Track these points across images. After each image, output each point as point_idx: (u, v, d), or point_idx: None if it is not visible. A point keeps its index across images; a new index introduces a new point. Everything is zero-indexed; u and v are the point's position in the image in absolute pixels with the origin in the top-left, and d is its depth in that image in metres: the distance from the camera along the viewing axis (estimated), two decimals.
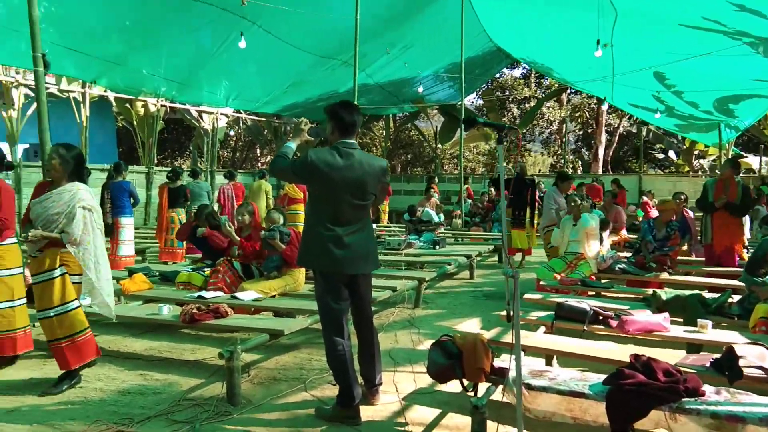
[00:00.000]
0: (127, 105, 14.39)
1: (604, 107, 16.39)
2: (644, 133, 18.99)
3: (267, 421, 3.29)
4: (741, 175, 14.29)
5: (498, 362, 3.14)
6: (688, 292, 4.67)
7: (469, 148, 24.99)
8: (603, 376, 2.93)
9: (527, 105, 24.61)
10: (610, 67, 11.20)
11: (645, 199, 13.43)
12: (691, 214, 8.25)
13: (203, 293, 4.98)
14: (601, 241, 6.59)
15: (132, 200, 8.03)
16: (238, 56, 10.77)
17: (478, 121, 2.64)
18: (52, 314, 3.64)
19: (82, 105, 12.63)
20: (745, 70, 10.30)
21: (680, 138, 19.38)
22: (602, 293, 5.47)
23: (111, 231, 8.06)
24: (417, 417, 3.29)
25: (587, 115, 24.62)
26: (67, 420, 3.26)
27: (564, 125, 23.56)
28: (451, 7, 11.35)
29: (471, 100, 25.93)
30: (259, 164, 23.91)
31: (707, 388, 2.75)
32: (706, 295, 4.73)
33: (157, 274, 6.16)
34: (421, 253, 8.23)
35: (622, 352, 3.40)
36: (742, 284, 4.72)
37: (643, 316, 3.96)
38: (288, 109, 15.64)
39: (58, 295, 3.65)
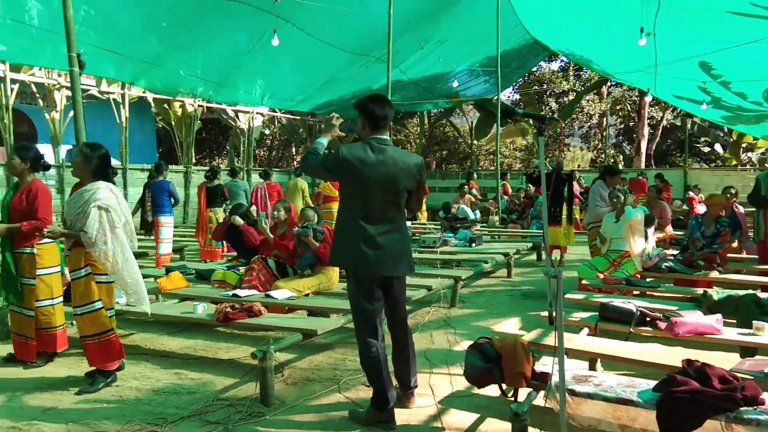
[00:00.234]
0: (165, 105, 14.64)
1: (647, 99, 15.87)
2: (689, 126, 18.32)
3: (300, 423, 3.23)
4: None
5: (539, 366, 2.99)
6: (741, 292, 4.40)
7: (506, 143, 24.61)
8: (652, 383, 2.75)
9: (566, 98, 24.07)
10: (652, 57, 10.81)
11: (691, 194, 12.94)
12: (741, 209, 7.87)
13: (238, 292, 4.97)
14: (646, 238, 6.32)
15: (172, 200, 8.14)
16: (273, 55, 10.81)
17: (518, 112, 2.51)
18: (79, 312, 3.68)
19: (121, 106, 12.90)
20: None
21: (727, 130, 18.62)
22: (648, 293, 5.23)
23: (151, 229, 8.22)
24: (454, 421, 3.17)
25: (629, 107, 23.92)
26: (102, 419, 3.26)
27: (604, 118, 22.95)
28: (486, 1, 11.14)
29: (507, 95, 25.52)
30: (295, 163, 24.06)
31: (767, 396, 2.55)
32: (761, 294, 4.46)
33: (194, 272, 6.19)
34: (456, 250, 8.07)
35: (672, 356, 3.20)
36: None
37: (694, 318, 3.74)
38: (322, 107, 15.66)
39: (84, 293, 3.68)
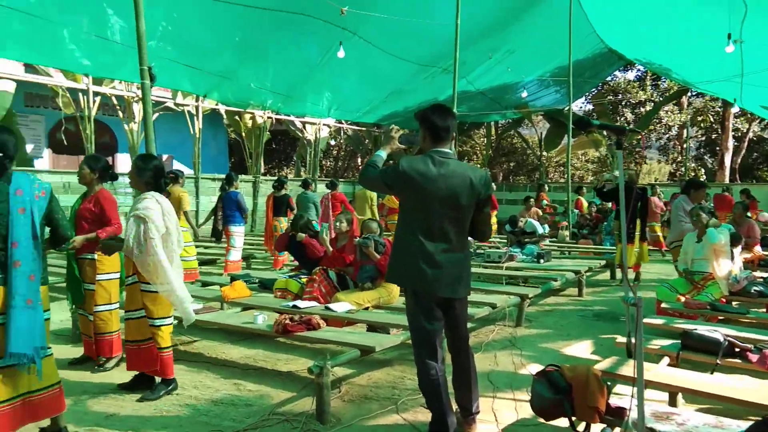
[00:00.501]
0: (237, 117, 15.09)
1: (732, 110, 14.88)
2: None
3: None
4: None
5: (614, 400, 2.74)
6: None
7: (577, 155, 23.80)
8: (745, 424, 2.46)
9: (642, 109, 23.01)
10: (738, 66, 10.08)
11: None
12: None
13: (298, 303, 4.94)
14: (733, 258, 5.82)
15: (240, 211, 8.33)
16: (340, 67, 10.90)
17: (594, 123, 2.30)
18: (125, 317, 3.81)
19: (195, 118, 13.38)
20: None
21: None
22: (735, 319, 4.79)
23: (221, 238, 8.45)
24: None
25: (711, 119, 22.58)
26: (160, 428, 3.27)
27: (685, 130, 21.75)
28: (558, 8, 10.78)
29: (579, 105, 24.71)
30: None
31: None
32: None
33: (257, 281, 6.24)
34: (523, 266, 7.76)
35: (766, 394, 2.87)
36: None
37: None
38: (388, 118, 15.67)
39: (130, 300, 3.78)
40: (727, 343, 3.49)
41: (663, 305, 5.21)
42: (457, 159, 3.11)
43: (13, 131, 2.99)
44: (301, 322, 4.26)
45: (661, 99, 22.08)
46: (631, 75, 24.18)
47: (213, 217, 8.76)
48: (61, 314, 5.50)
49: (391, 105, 14.25)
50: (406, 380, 4.08)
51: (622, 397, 3.06)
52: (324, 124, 17.03)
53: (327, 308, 4.76)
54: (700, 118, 22.68)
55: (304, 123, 16.64)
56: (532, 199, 11.66)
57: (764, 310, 5.38)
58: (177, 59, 9.53)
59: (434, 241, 2.93)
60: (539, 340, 5.26)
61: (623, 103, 23.69)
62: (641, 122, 20.34)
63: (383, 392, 3.86)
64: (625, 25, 12.12)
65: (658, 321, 4.58)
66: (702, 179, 20.57)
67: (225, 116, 15.21)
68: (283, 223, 8.98)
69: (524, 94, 15.40)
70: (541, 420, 3.19)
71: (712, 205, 10.14)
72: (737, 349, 3.49)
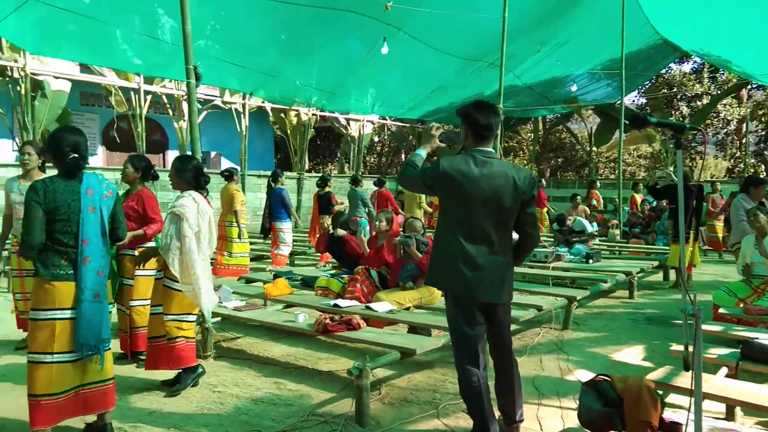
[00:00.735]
0: (282, 115, 15.24)
1: None
2: None
3: None
4: None
5: (669, 414, 2.57)
6: None
7: (629, 150, 23.01)
8: None
9: (699, 103, 22.03)
10: None
11: None
12: None
13: (339, 302, 4.92)
14: None
15: (284, 207, 8.40)
16: (384, 63, 10.82)
17: (651, 120, 2.14)
18: (151, 312, 3.89)
19: (242, 115, 13.57)
20: None
21: None
22: None
23: (268, 234, 8.55)
24: None
25: None
26: (201, 426, 3.29)
27: (744, 124, 20.69)
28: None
29: (632, 99, 23.77)
30: None
31: None
32: None
33: (300, 278, 6.26)
34: (571, 267, 7.51)
35: None
36: None
37: None
38: (432, 114, 15.51)
39: (155, 295, 3.89)
40: None
41: (721, 310, 4.93)
42: (499, 158, 2.98)
43: (83, 132, 3.09)
44: (342, 322, 4.23)
45: (718, 92, 21.07)
46: (687, 67, 23.14)
47: (263, 214, 8.92)
48: None
49: (435, 101, 14.08)
50: (447, 384, 3.99)
51: (676, 410, 2.89)
52: (368, 121, 17.02)
53: (368, 308, 4.72)
54: (760, 112, 21.50)
55: (348, 119, 16.67)
56: (579, 197, 11.28)
57: None
58: (225, 58, 9.67)
59: (475, 244, 2.83)
60: (587, 344, 5.07)
61: (678, 96, 22.73)
62: (698, 116, 19.48)
63: (424, 396, 3.79)
64: (682, 15, 11.58)
65: (716, 328, 4.32)
66: (762, 176, 19.55)
67: (271, 113, 15.38)
68: (327, 221, 9.01)
69: (574, 88, 14.93)
70: None
71: None
72: None
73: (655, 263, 8.18)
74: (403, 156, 24.10)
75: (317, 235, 8.76)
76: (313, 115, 15.14)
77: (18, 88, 9.29)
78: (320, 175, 11.74)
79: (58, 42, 8.35)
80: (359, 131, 16.87)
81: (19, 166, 4.69)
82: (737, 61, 13.10)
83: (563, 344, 5.00)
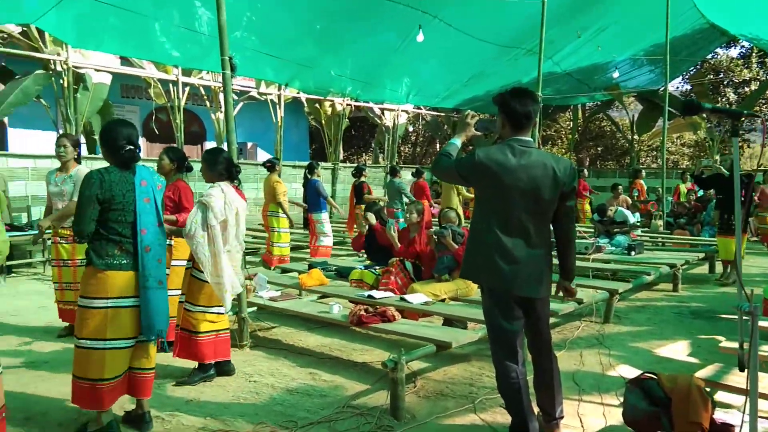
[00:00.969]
0: (317, 105, 15.25)
1: None
2: None
3: None
4: None
5: (720, 415, 2.45)
6: None
7: (672, 138, 22.26)
8: None
9: (747, 89, 21.14)
10: None
11: None
12: None
13: (373, 293, 4.88)
14: None
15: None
16: (419, 52, 10.68)
17: (704, 106, 1.99)
18: (180, 300, 3.94)
19: (278, 106, 13.64)
20: None
21: None
22: None
23: (308, 225, 8.57)
24: None
25: None
26: (237, 416, 3.30)
27: None
28: None
29: (676, 85, 22.98)
30: None
31: None
32: None
33: (335, 269, 6.25)
34: (612, 259, 7.29)
35: None
36: None
37: None
38: (467, 103, 15.28)
39: (184, 285, 3.90)
40: None
41: None
42: (538, 148, 2.87)
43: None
44: (376, 313, 4.19)
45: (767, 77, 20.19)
46: (734, 52, 22.21)
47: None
48: None
49: (471, 89, 13.87)
50: (484, 377, 3.92)
51: (728, 411, 2.74)
52: (402, 110, 16.89)
53: (402, 299, 4.67)
54: None
55: (382, 109, 16.58)
56: (621, 186, 10.95)
57: None
58: (260, 49, 9.69)
59: (512, 236, 2.73)
60: (629, 338, 4.91)
61: (725, 82, 21.87)
62: (745, 103, 18.69)
63: (460, 389, 3.72)
64: None
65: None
66: None
67: (306, 104, 15.41)
68: (362, 210, 9.00)
69: (616, 75, 14.47)
70: None
71: None
72: None
73: (701, 255, 7.89)
74: (437, 146, 23.92)
75: (354, 227, 8.76)
76: (347, 105, 15.11)
77: (61, 81, 9.51)
78: (355, 165, 11.72)
79: (99, 35, 8.49)
80: (394, 121, 16.76)
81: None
82: None
83: (604, 338, 4.85)
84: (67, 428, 3.16)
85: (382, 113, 16.70)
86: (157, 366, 3.25)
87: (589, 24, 11.28)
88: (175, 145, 11.26)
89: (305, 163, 11.08)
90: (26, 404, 3.46)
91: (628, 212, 8.88)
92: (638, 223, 9.55)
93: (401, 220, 8.49)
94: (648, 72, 15.27)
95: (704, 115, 17.13)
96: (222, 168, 3.82)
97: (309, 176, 8.52)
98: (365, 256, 7.30)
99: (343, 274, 5.93)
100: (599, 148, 24.67)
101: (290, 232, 8.12)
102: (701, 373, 2.86)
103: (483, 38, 10.56)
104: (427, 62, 11.81)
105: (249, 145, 16.45)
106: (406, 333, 3.99)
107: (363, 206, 9.08)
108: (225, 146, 4.53)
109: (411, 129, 20.64)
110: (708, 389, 2.74)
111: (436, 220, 6.50)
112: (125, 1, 7.51)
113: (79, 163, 4.86)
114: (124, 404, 3.26)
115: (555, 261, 2.94)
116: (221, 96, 12.63)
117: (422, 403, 3.52)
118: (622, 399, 3.45)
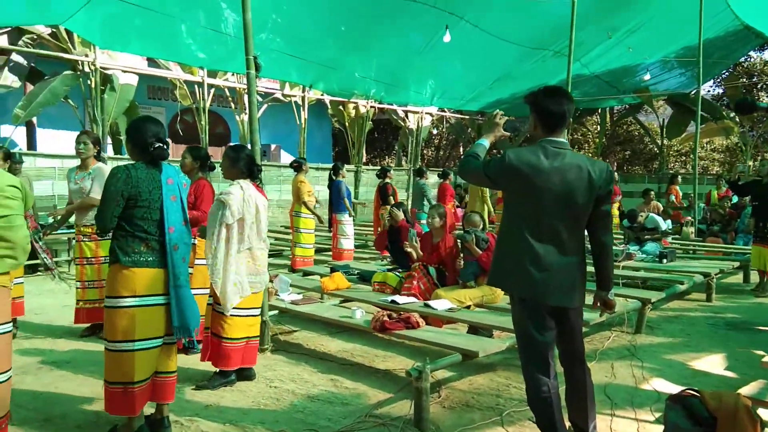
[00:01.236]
0: (341, 107, 15.22)
1: None
2: None
3: None
4: None
5: None
6: None
7: (701, 143, 21.75)
8: None
9: None
10: None
11: None
12: None
13: (396, 298, 4.78)
14: None
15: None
16: (444, 53, 10.57)
17: (759, 105, 1.85)
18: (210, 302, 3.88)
19: (302, 108, 13.64)
20: None
21: None
22: None
23: (331, 226, 8.55)
24: None
25: None
26: (257, 423, 3.22)
27: None
28: None
29: (707, 89, 22.45)
30: None
31: None
32: None
33: (357, 272, 6.17)
34: (643, 266, 7.07)
35: None
36: None
37: None
38: (492, 105, 15.09)
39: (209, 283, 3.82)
40: None
41: None
42: (572, 151, 2.73)
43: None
44: (400, 319, 4.09)
45: None
46: None
47: (328, 207, 8.93)
48: None
49: (496, 92, 13.69)
50: (511, 388, 3.78)
51: None
52: (426, 113, 16.78)
53: (426, 305, 4.55)
54: None
55: (406, 112, 16.48)
56: (652, 192, 10.67)
57: None
58: (285, 50, 9.68)
59: (543, 243, 2.59)
60: (663, 350, 4.72)
61: (759, 86, 21.29)
62: None
63: (486, 400, 3.59)
64: None
65: None
66: None
67: (329, 106, 15.40)
68: (386, 211, 8.93)
69: (647, 77, 14.12)
70: None
71: None
72: None
73: (735, 264, 7.61)
74: (461, 149, 23.75)
75: (379, 228, 8.68)
76: (371, 107, 15.05)
77: (88, 81, 9.62)
78: (378, 167, 11.65)
79: (126, 36, 8.57)
80: (418, 123, 16.65)
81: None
82: None
83: (636, 350, 4.67)
84: (85, 431, 3.11)
85: (406, 116, 16.60)
86: (181, 368, 3.19)
87: (619, 25, 11.04)
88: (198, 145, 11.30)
89: (328, 165, 11.03)
90: (46, 405, 3.43)
91: (659, 218, 8.62)
92: (670, 230, 9.27)
93: (423, 221, 8.36)
94: (679, 75, 14.91)
95: (737, 119, 16.72)
96: (243, 165, 3.76)
97: (334, 177, 8.48)
98: (387, 260, 7.22)
99: (365, 278, 5.84)
100: (627, 153, 24.22)
101: (314, 233, 8.07)
102: (745, 390, 2.70)
103: (510, 40, 10.40)
104: (453, 64, 11.68)
105: (273, 147, 16.49)
106: (431, 341, 3.88)
107: (387, 207, 9.00)
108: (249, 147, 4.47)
109: (435, 132, 20.48)
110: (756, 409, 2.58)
111: (460, 225, 6.40)
112: (152, 2, 7.55)
113: (100, 160, 4.85)
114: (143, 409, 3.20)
115: (589, 268, 2.80)
116: (246, 98, 12.66)
117: (447, 414, 3.40)
118: (658, 415, 3.31)
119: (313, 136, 16.43)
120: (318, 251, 8.84)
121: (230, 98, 13.29)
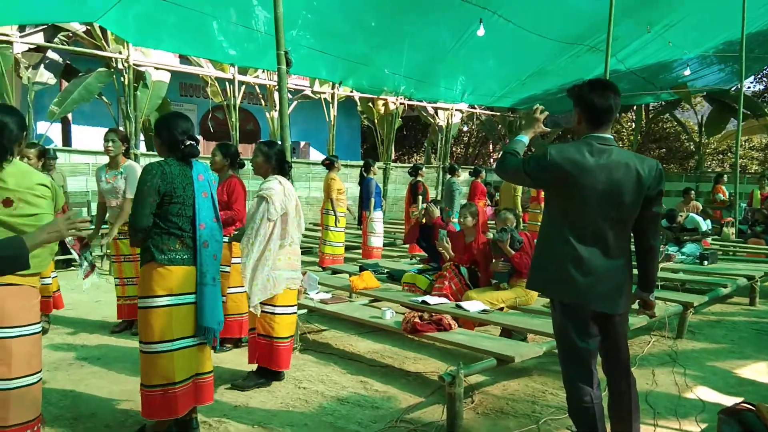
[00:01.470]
0: (370, 104, 15.13)
1: None
2: None
3: None
4: None
5: None
6: None
7: (740, 141, 21.04)
8: None
9: None
10: None
11: None
12: None
13: (427, 298, 4.67)
14: None
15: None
16: (475, 49, 10.40)
17: None
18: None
19: (331, 105, 13.59)
20: None
21: None
22: None
23: (361, 223, 8.50)
24: None
25: None
26: (285, 425, 3.16)
27: None
28: None
29: (747, 85, 21.73)
30: (492, 160, 23.47)
31: None
32: None
33: (386, 271, 6.08)
34: (682, 269, 6.82)
35: None
36: None
37: None
38: (524, 102, 14.84)
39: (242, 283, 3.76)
40: None
41: None
42: (619, 147, 2.57)
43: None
44: (432, 321, 3.98)
45: None
46: None
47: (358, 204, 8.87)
48: None
49: (529, 88, 13.43)
50: (547, 395, 3.64)
51: None
52: (456, 110, 16.57)
53: (458, 306, 4.44)
54: None
55: (436, 109, 16.30)
56: (692, 191, 10.32)
57: None
58: (315, 47, 9.65)
59: (588, 245, 2.45)
60: (706, 356, 4.52)
61: None
62: None
63: (521, 407, 3.46)
64: None
65: None
66: None
67: (359, 103, 15.32)
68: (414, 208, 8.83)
69: (687, 72, 13.66)
70: None
71: None
72: None
73: None
74: (491, 147, 23.46)
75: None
76: (401, 104, 14.94)
77: (122, 79, 9.71)
78: (409, 165, 11.54)
79: (158, 34, 8.63)
80: (447, 120, 16.46)
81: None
82: None
83: (678, 356, 4.48)
84: (114, 431, 3.09)
85: (436, 112, 16.43)
86: None
87: (657, 19, 10.69)
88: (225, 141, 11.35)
89: (357, 163, 10.94)
90: (75, 403, 3.43)
91: (699, 219, 8.31)
92: (710, 231, 8.94)
93: (453, 219, 8.23)
94: (718, 71, 14.42)
95: None
96: (275, 161, 3.71)
97: (365, 174, 8.41)
98: (416, 259, 7.11)
99: (395, 276, 5.75)
100: (662, 151, 23.60)
101: (344, 231, 8.01)
102: None
103: (543, 34, 10.16)
104: (484, 60, 11.49)
105: (302, 144, 16.51)
106: (465, 344, 3.76)
107: (416, 205, 8.90)
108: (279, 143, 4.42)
109: (464, 129, 20.24)
110: None
111: (492, 223, 6.25)
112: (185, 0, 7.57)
113: (128, 158, 4.84)
114: None
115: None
116: (276, 95, 12.67)
117: (481, 421, 3.28)
118: (704, 426, 3.15)
119: (342, 133, 16.38)
120: (346, 249, 8.78)
121: (260, 95, 13.32)
